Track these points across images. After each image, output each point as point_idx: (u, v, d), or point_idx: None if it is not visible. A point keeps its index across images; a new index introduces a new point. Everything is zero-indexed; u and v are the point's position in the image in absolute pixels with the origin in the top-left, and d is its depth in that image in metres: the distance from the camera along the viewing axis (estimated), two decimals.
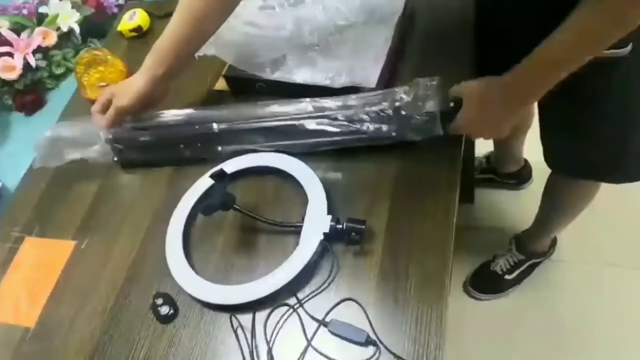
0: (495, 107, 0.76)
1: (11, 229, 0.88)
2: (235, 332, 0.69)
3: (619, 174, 1.02)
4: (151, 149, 0.88)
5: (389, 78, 0.90)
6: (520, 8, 0.80)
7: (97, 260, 0.80)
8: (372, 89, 0.85)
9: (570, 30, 0.65)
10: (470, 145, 1.40)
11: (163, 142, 0.87)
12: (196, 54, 0.91)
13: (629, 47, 0.77)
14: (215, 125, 0.84)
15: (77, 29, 1.40)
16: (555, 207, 1.26)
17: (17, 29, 1.36)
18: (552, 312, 1.40)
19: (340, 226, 0.72)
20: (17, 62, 1.34)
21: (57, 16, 1.38)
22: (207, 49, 0.90)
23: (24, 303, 0.78)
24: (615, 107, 0.88)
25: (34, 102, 1.41)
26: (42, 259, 0.82)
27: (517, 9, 0.82)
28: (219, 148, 0.85)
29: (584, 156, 0.99)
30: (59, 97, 1.44)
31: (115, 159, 0.89)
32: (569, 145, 0.99)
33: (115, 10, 1.46)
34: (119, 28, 1.14)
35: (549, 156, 1.05)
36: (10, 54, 1.34)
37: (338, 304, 0.69)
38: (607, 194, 1.16)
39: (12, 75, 1.35)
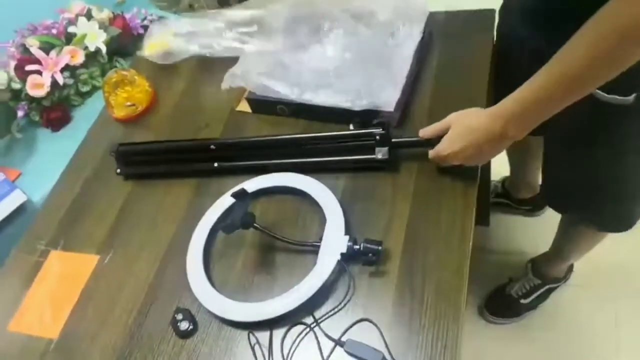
0: (480, 137, 0.73)
1: (37, 242, 0.90)
2: (252, 349, 0.70)
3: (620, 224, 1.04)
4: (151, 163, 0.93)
5: (406, 102, 0.92)
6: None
7: (119, 275, 0.82)
8: (389, 112, 0.87)
9: (578, 45, 0.60)
10: (487, 169, 1.41)
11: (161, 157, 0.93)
12: (222, 86, 0.95)
13: (632, 97, 0.76)
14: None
15: (103, 49, 1.45)
16: (571, 239, 1.26)
17: (46, 48, 1.41)
18: (567, 338, 1.38)
19: (358, 247, 0.73)
20: (46, 80, 1.39)
21: (84, 36, 1.43)
22: (233, 82, 0.94)
23: (48, 315, 0.81)
24: (613, 158, 0.88)
25: (60, 119, 1.46)
26: (67, 272, 0.85)
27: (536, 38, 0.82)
28: (215, 164, 0.90)
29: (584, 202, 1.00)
30: (84, 114, 1.48)
31: (119, 171, 0.94)
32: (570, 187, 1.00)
33: (141, 31, 1.51)
34: (147, 51, 1.17)
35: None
36: (39, 72, 1.39)
37: (354, 324, 0.70)
38: None
39: (40, 93, 1.39)
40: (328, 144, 0.88)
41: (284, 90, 0.94)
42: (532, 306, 1.41)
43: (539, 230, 1.55)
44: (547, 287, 1.41)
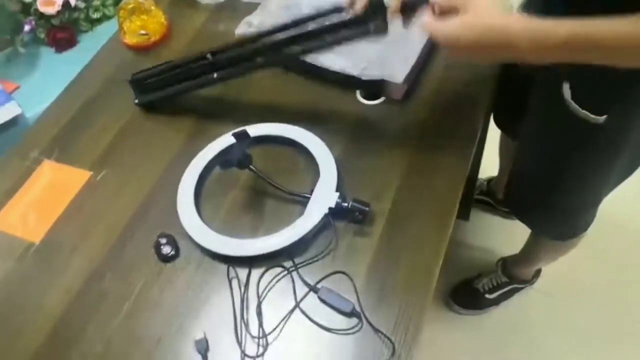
0: (493, 38, 0.65)
1: (31, 149, 0.91)
2: (230, 282, 0.72)
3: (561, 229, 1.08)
4: (162, 87, 0.92)
5: (415, 79, 0.94)
6: None
7: (109, 194, 0.84)
8: (396, 84, 0.89)
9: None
10: (476, 165, 1.44)
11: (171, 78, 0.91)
12: (236, 32, 0.95)
13: (603, 118, 0.77)
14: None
15: None
16: (538, 245, 1.30)
17: None
18: (519, 339, 1.43)
19: (346, 204, 0.76)
20: None
21: None
22: (248, 30, 0.95)
23: (32, 220, 0.82)
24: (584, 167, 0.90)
25: (66, 40, 1.45)
26: (57, 182, 0.86)
27: None
28: (215, 75, 0.88)
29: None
30: (91, 40, 1.48)
31: (136, 101, 0.94)
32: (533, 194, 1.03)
33: None
34: None
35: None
36: None
37: (331, 274, 0.72)
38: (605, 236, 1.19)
39: (50, 10, 1.38)
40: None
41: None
42: (496, 302, 1.46)
43: (514, 233, 1.58)
44: (513, 286, 1.46)
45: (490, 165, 1.52)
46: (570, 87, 0.78)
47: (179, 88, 0.91)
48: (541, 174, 0.98)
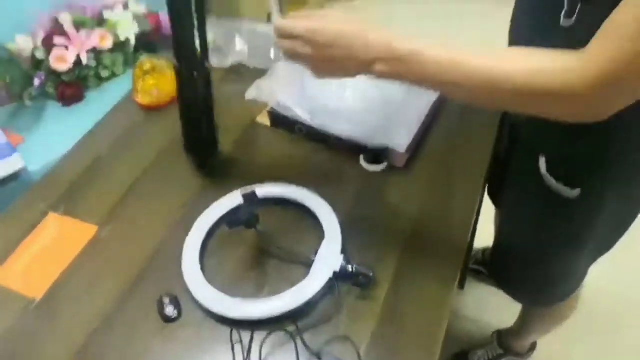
0: (352, 46, 0.64)
1: (38, 202, 0.91)
2: (232, 346, 0.71)
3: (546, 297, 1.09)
4: None
5: (417, 147, 0.97)
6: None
7: (115, 250, 0.83)
8: (399, 153, 0.92)
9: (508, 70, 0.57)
10: (472, 235, 1.46)
11: None
12: (247, 96, 0.99)
13: (577, 192, 0.79)
14: None
15: (132, 40, 1.50)
16: (531, 315, 1.31)
17: (78, 26, 1.45)
18: None
19: (351, 268, 0.76)
20: (70, 56, 1.43)
21: (117, 23, 1.48)
22: (258, 95, 0.99)
23: (35, 274, 0.81)
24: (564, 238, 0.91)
25: (74, 96, 1.48)
26: (62, 236, 0.85)
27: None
28: None
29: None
30: (98, 97, 1.52)
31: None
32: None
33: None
34: None
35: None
36: (66, 47, 1.42)
37: (334, 339, 0.72)
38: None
39: (62, 67, 1.43)
40: None
41: (303, 114, 0.98)
42: None
43: (509, 304, 1.59)
44: (508, 358, 1.44)
45: (486, 235, 1.54)
46: (547, 161, 0.81)
47: None
48: (519, 243, 1.01)
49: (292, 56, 0.68)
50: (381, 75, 0.65)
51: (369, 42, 0.63)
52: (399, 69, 0.62)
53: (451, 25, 2.56)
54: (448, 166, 0.94)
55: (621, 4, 0.51)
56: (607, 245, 0.95)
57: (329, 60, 0.66)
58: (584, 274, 1.03)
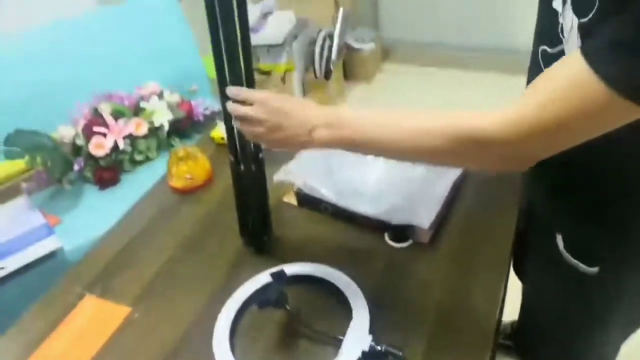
0: (296, 115, 0.72)
1: (75, 284, 0.95)
2: None
3: None
4: None
5: (440, 223, 1.00)
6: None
7: (147, 330, 0.86)
8: (423, 229, 0.95)
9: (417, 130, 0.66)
10: (501, 310, 1.44)
11: None
12: (274, 179, 1.04)
13: (596, 269, 0.80)
14: None
15: (166, 127, 1.59)
16: None
17: (116, 116, 1.56)
18: None
19: (380, 348, 0.77)
20: (108, 143, 1.51)
21: (153, 112, 1.58)
22: (286, 177, 1.05)
23: (70, 357, 0.83)
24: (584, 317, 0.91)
25: (110, 179, 1.56)
26: (97, 318, 0.88)
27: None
28: None
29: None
30: (132, 180, 1.59)
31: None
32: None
33: (201, 118, 1.66)
34: (212, 134, 1.30)
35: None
36: (104, 135, 1.52)
37: None
38: None
39: (100, 153, 1.51)
40: None
41: (328, 194, 1.03)
42: None
43: None
44: None
45: (514, 307, 1.51)
46: (563, 239, 0.83)
47: None
48: (542, 319, 1.00)
49: (245, 123, 0.76)
50: (321, 141, 0.72)
51: (312, 109, 0.72)
52: (336, 134, 0.71)
53: (464, 96, 2.64)
54: (473, 241, 0.96)
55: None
56: (637, 321, 0.93)
57: (277, 128, 0.73)
58: (614, 351, 1.00)
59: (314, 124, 0.71)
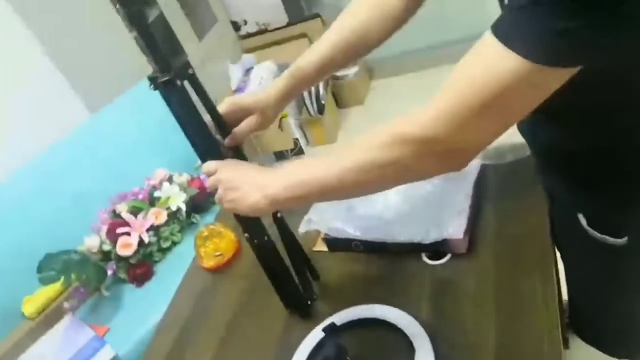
0: (249, 179, 0.77)
1: None
2: None
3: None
4: None
5: (472, 230, 0.98)
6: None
7: None
8: (458, 240, 0.93)
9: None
10: (560, 296, 1.40)
11: None
12: (300, 231, 1.03)
13: (624, 239, 0.78)
14: None
15: (183, 208, 1.62)
16: None
17: (134, 212, 1.59)
18: None
19: None
20: (133, 240, 1.54)
21: (168, 198, 1.61)
22: (310, 226, 1.05)
23: None
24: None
25: (144, 274, 1.58)
26: None
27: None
28: None
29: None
30: (165, 269, 1.61)
31: None
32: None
33: None
34: None
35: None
36: (128, 234, 1.55)
37: None
38: None
39: (128, 252, 1.54)
40: None
41: (355, 231, 1.02)
42: None
43: None
44: None
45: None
46: (586, 217, 0.81)
47: None
48: (585, 296, 0.98)
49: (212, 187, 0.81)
50: (280, 201, 0.74)
51: (262, 171, 0.77)
52: (292, 189, 0.73)
53: None
54: (511, 241, 0.93)
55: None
56: None
57: (236, 188, 0.77)
58: None
59: (265, 182, 0.75)
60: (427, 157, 0.63)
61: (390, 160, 0.64)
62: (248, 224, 0.88)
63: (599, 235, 0.80)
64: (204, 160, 0.83)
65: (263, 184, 0.75)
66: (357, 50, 0.88)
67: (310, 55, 0.88)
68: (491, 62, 0.55)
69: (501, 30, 0.54)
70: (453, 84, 0.59)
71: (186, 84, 0.79)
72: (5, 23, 1.87)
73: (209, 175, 0.81)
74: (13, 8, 1.90)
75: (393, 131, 0.63)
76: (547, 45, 0.51)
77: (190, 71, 0.79)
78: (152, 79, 0.76)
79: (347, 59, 0.88)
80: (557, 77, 0.55)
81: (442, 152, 0.62)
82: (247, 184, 0.76)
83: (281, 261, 0.93)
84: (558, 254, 1.15)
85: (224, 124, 0.87)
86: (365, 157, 0.66)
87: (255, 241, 0.89)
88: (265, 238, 0.90)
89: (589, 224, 0.81)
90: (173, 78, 0.75)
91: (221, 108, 0.87)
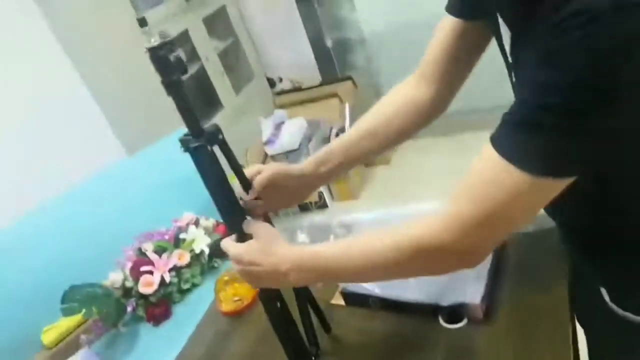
0: (268, 265, 0.78)
1: None
2: None
3: None
4: None
5: (490, 295, 0.99)
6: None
7: None
8: (475, 305, 0.94)
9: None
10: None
11: None
12: (317, 285, 1.06)
13: None
14: None
15: (207, 252, 1.65)
16: None
17: (159, 251, 1.63)
18: None
19: None
20: (156, 279, 1.58)
21: (192, 240, 1.65)
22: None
23: None
24: None
25: (162, 314, 1.60)
26: None
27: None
28: None
29: None
30: (183, 310, 1.63)
31: None
32: None
33: None
34: None
35: None
36: (151, 272, 1.58)
37: None
38: None
39: (149, 290, 1.57)
40: None
41: (372, 287, 1.04)
42: None
43: None
44: None
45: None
46: (608, 292, 0.81)
47: None
48: None
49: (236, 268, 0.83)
50: (299, 282, 0.80)
51: (282, 259, 0.77)
52: (303, 276, 0.77)
53: None
54: (529, 309, 0.93)
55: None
56: None
57: (257, 276, 0.80)
58: None
59: (286, 268, 0.77)
60: (447, 260, 0.69)
61: (413, 262, 0.70)
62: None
63: (621, 312, 0.80)
64: (225, 222, 0.85)
65: (284, 272, 0.77)
66: (385, 138, 0.95)
67: (338, 138, 0.96)
68: (494, 176, 0.59)
69: (500, 144, 0.59)
70: (459, 194, 0.65)
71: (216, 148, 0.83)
72: (55, 64, 2.03)
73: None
74: (63, 48, 2.05)
75: (416, 236, 0.68)
76: (548, 159, 0.55)
77: (220, 137, 0.83)
78: (184, 142, 0.81)
79: (378, 146, 0.95)
80: (560, 185, 0.58)
81: (460, 254, 0.67)
82: (267, 273, 0.78)
83: (288, 314, 0.93)
84: (580, 329, 1.14)
85: (249, 186, 0.90)
86: (388, 259, 0.71)
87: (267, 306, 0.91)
88: (278, 304, 0.90)
89: (611, 299, 0.81)
90: (204, 144, 0.80)
91: (266, 171, 0.91)
